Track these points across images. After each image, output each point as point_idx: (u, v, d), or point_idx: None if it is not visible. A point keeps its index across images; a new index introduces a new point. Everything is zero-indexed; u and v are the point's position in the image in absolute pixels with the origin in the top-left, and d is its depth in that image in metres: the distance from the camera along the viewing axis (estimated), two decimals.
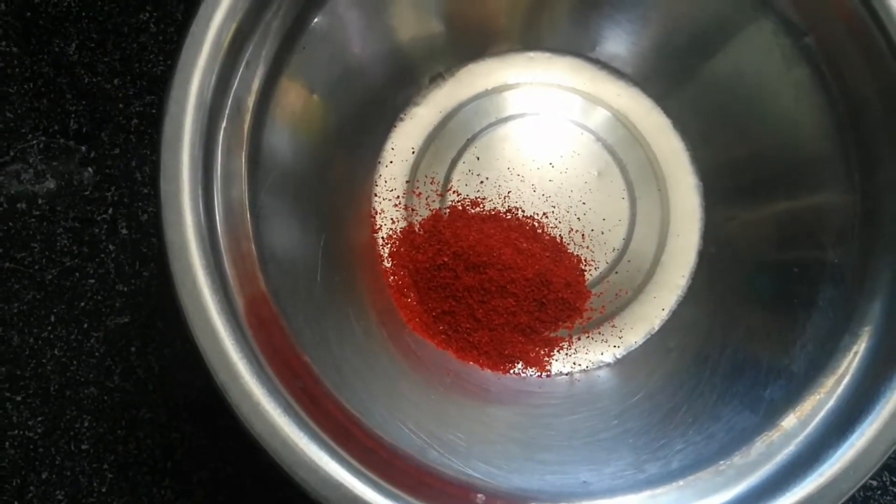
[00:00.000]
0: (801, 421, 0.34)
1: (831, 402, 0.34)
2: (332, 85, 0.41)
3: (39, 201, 0.45)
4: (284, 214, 0.38)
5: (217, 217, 0.33)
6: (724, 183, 0.44)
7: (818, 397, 0.34)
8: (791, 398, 0.35)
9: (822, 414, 0.33)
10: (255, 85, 0.35)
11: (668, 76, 0.45)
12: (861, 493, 0.44)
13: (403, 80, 0.45)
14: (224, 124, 0.34)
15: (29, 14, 0.48)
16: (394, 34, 0.43)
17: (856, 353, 0.34)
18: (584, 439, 0.38)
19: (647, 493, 0.33)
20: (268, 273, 0.34)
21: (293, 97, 0.38)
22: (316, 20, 0.37)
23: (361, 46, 0.41)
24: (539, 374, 0.43)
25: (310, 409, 0.31)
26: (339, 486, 0.29)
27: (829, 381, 0.34)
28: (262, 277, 0.34)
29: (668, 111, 0.46)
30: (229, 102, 0.34)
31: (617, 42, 0.45)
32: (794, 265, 0.39)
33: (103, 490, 0.42)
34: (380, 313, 0.42)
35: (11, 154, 0.46)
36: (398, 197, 0.45)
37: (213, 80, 0.33)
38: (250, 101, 0.35)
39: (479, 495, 0.33)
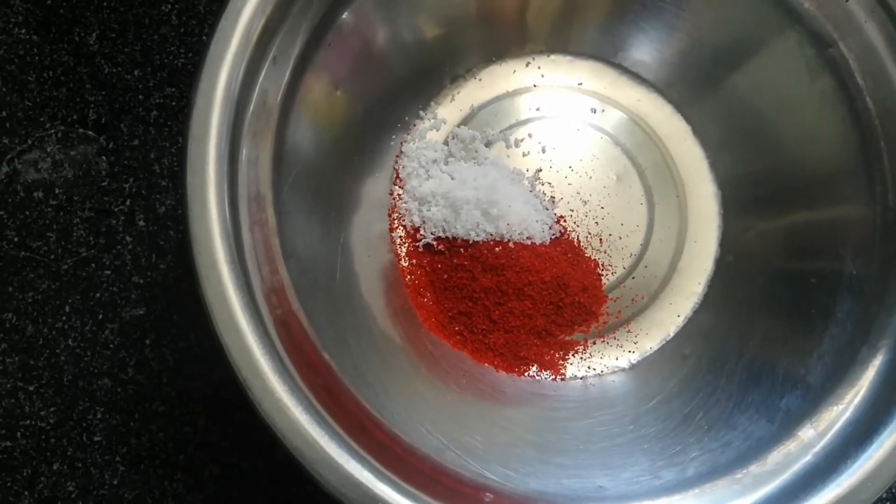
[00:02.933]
0: (818, 432, 0.34)
1: (849, 414, 0.34)
2: (356, 82, 0.41)
3: (56, 191, 0.45)
4: (306, 211, 0.38)
5: (241, 212, 0.32)
6: (743, 191, 0.44)
7: (835, 408, 0.34)
8: (808, 408, 0.35)
9: (839, 425, 0.33)
10: (282, 80, 0.35)
11: (690, 84, 0.45)
12: None
13: (425, 79, 0.45)
14: (250, 119, 0.34)
15: (49, 2, 0.47)
16: (419, 33, 0.43)
17: (873, 365, 0.34)
18: (599, 444, 0.38)
19: (663, 500, 0.33)
20: (290, 269, 0.34)
21: (318, 93, 0.38)
22: (343, 17, 0.37)
23: (386, 45, 0.41)
24: (554, 377, 0.43)
25: (330, 407, 0.31)
26: (358, 485, 0.29)
27: (847, 393, 0.34)
28: (284, 273, 0.34)
29: (689, 118, 0.46)
30: (255, 97, 0.34)
31: (641, 49, 0.45)
32: (813, 276, 0.39)
33: (115, 482, 0.42)
34: (397, 312, 0.42)
35: (29, 142, 0.46)
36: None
37: (240, 75, 0.33)
38: (276, 96, 0.35)
39: (487, 494, 0.33)
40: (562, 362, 0.43)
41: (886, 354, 0.34)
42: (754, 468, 0.33)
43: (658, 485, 0.34)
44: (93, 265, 0.44)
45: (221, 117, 0.32)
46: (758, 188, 0.43)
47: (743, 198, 0.44)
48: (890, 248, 0.36)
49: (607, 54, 0.46)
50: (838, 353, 0.36)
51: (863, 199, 0.38)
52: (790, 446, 0.34)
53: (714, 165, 0.45)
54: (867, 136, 0.37)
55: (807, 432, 0.34)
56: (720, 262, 0.44)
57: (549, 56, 0.47)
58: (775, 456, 0.33)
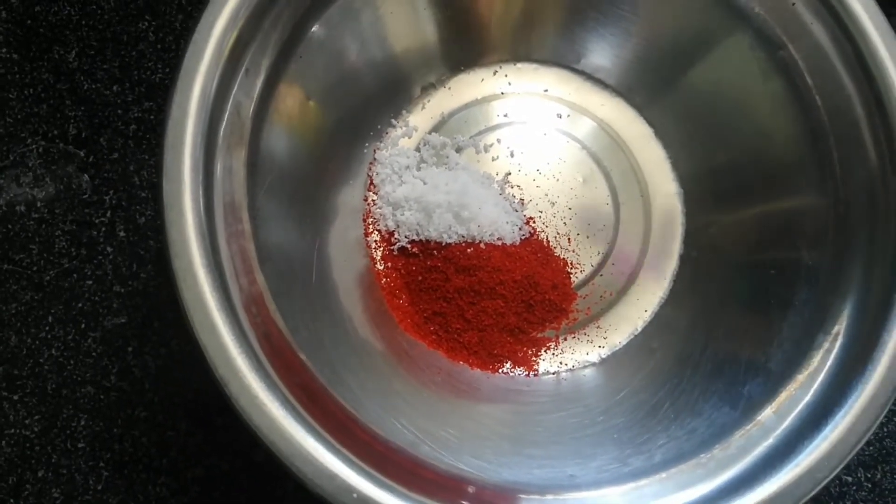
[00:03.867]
0: (777, 415, 0.35)
1: (807, 397, 0.35)
2: (328, 92, 0.42)
3: (38, 204, 0.46)
4: (281, 216, 0.39)
5: (217, 217, 0.33)
6: (704, 189, 0.46)
7: (794, 393, 0.35)
8: (769, 394, 0.36)
9: (797, 408, 0.35)
10: (255, 91, 0.36)
11: (650, 87, 0.47)
12: (837, 489, 0.45)
13: (396, 89, 0.47)
14: (224, 128, 0.35)
15: (29, 21, 0.49)
16: (388, 45, 0.44)
17: (829, 350, 0.36)
18: (570, 435, 0.39)
19: (630, 485, 0.34)
20: (265, 273, 0.35)
21: (290, 103, 0.39)
22: (313, 30, 0.39)
23: (356, 56, 0.43)
24: (527, 373, 0.44)
25: (306, 404, 0.32)
26: (334, 477, 0.30)
27: (804, 377, 0.36)
28: (260, 277, 0.35)
29: (651, 120, 0.48)
30: (229, 108, 0.35)
31: (601, 54, 0.47)
32: (771, 268, 0.41)
33: (99, 488, 0.43)
34: (373, 314, 0.43)
35: (11, 158, 0.47)
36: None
37: (214, 86, 0.34)
38: (250, 106, 0.36)
39: (470, 486, 0.34)
40: (534, 359, 0.44)
41: (841, 339, 0.36)
42: (718, 452, 0.35)
43: (626, 471, 0.35)
44: (75, 276, 0.45)
45: (196, 127, 0.33)
46: (717, 184, 0.45)
47: (704, 195, 0.46)
48: (842, 239, 0.38)
49: (570, 61, 0.48)
50: (796, 340, 0.37)
51: (816, 192, 0.39)
52: (752, 430, 0.35)
53: (676, 165, 0.47)
54: (817, 132, 0.39)
55: (767, 417, 0.35)
56: (684, 258, 0.46)
57: (515, 64, 0.48)
58: (738, 440, 0.35)
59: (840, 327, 0.36)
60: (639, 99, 0.48)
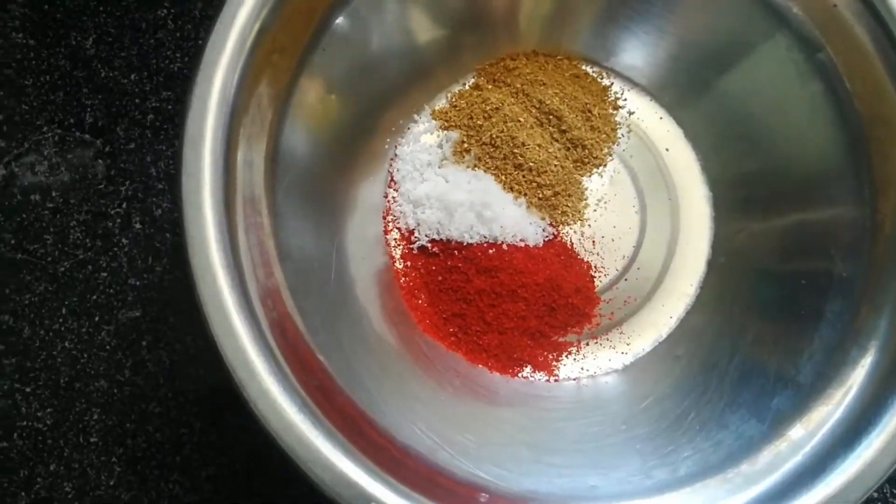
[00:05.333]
0: (808, 431, 0.34)
1: (838, 414, 0.34)
2: (350, 86, 0.41)
3: (53, 193, 0.45)
4: (301, 213, 0.38)
5: (237, 212, 0.33)
6: (735, 194, 0.44)
7: (825, 408, 0.34)
8: (798, 408, 0.35)
9: (829, 425, 0.34)
10: (276, 84, 0.36)
11: (682, 88, 0.45)
12: None
13: (419, 83, 0.45)
14: (245, 123, 0.34)
15: (46, 7, 0.48)
16: (412, 38, 0.43)
17: (863, 365, 0.35)
18: (592, 444, 0.38)
19: (654, 499, 0.33)
20: (284, 271, 0.34)
21: (312, 97, 0.38)
22: (337, 22, 0.38)
23: (380, 49, 0.42)
24: (547, 378, 0.43)
25: (324, 408, 0.31)
26: (353, 485, 0.30)
27: (837, 393, 0.35)
28: (278, 272, 0.34)
29: (681, 121, 0.46)
30: (251, 101, 0.34)
31: (633, 53, 0.45)
32: (803, 277, 0.40)
33: (111, 483, 0.42)
34: (391, 314, 0.42)
35: (26, 146, 0.46)
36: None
37: (235, 79, 0.33)
38: (271, 100, 0.35)
39: (483, 494, 0.33)
40: (555, 363, 0.43)
41: (875, 355, 0.35)
42: (745, 468, 0.34)
43: (650, 484, 0.35)
44: (89, 267, 0.44)
45: (216, 120, 0.32)
46: (749, 190, 0.44)
47: (734, 200, 0.44)
48: (878, 250, 0.37)
49: (600, 58, 0.46)
50: (828, 353, 0.36)
51: (852, 202, 0.38)
52: (780, 446, 0.34)
53: (706, 168, 0.46)
54: (856, 139, 0.38)
55: (797, 432, 0.34)
56: (712, 264, 0.45)
57: None
58: (766, 455, 0.34)
59: (875, 342, 0.35)
60: (669, 99, 0.46)
